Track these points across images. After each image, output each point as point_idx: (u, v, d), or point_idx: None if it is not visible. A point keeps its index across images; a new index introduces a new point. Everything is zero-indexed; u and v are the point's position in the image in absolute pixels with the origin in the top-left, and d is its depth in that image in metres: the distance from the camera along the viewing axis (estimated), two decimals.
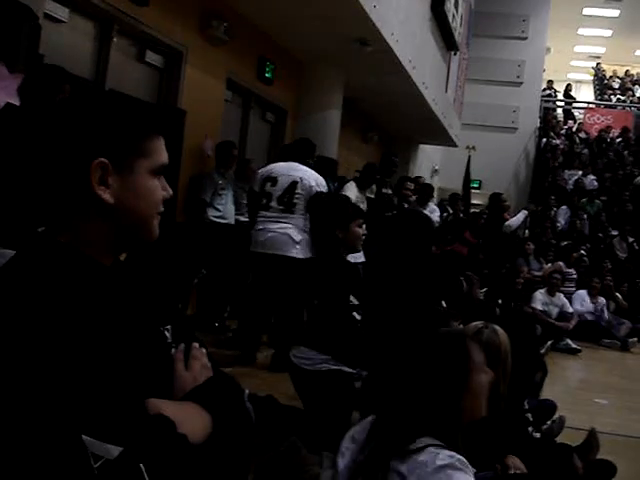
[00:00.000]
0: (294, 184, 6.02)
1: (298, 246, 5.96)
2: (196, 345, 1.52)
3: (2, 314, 1.19)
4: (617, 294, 11.84)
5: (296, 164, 6.20)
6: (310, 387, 3.96)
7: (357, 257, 7.46)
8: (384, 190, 8.47)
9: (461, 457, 1.86)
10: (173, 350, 1.48)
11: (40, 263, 1.27)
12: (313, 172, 6.20)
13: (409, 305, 3.70)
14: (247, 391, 4.31)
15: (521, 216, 10.71)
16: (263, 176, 6.19)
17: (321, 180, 6.17)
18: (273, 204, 6.05)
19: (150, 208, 1.38)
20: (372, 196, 8.08)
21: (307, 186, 6.03)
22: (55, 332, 1.16)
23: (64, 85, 3.78)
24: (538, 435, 3.77)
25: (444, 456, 1.84)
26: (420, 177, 12.39)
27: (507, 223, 10.38)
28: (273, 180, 6.07)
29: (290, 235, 5.97)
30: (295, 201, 6.02)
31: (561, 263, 11.70)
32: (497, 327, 3.16)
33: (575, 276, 11.76)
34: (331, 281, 4.05)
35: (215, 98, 7.83)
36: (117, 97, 1.45)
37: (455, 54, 13.81)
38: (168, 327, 1.48)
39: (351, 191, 7.66)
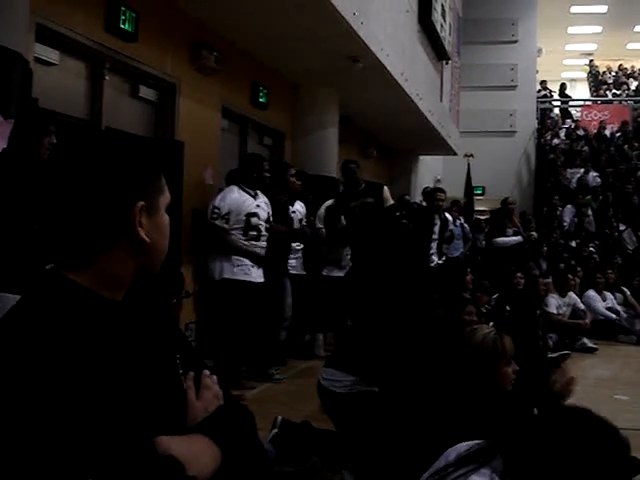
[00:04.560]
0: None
1: (210, 267, 6.41)
2: (207, 373, 1.52)
3: (11, 358, 1.19)
4: (624, 289, 11.80)
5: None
6: (342, 409, 3.96)
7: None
8: (356, 203, 8.29)
9: None
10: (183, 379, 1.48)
11: (50, 303, 1.27)
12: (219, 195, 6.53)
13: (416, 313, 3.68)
14: (280, 418, 4.29)
15: (514, 240, 10.74)
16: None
17: (212, 201, 6.47)
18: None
19: (167, 244, 1.44)
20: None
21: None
22: (61, 375, 1.16)
23: (49, 126, 3.80)
24: None
25: None
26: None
27: (496, 239, 10.51)
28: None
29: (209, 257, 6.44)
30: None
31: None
32: (505, 335, 3.16)
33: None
34: (367, 304, 4.04)
35: (211, 127, 7.86)
36: (128, 137, 1.48)
37: (447, 63, 13.86)
38: (178, 355, 1.49)
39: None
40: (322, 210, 8.00)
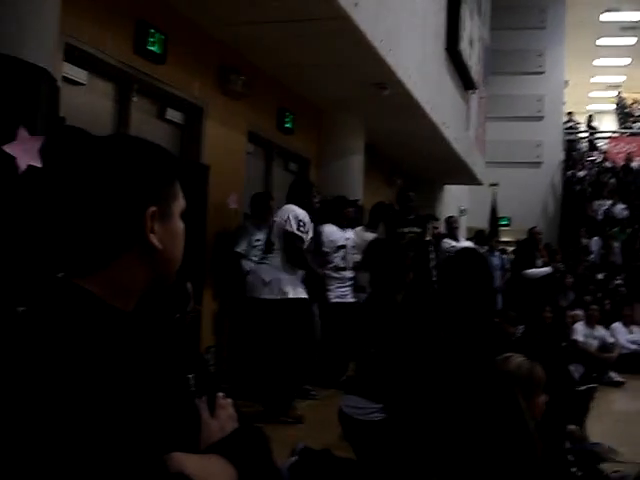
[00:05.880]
0: (272, 225, 6.36)
1: (267, 288, 6.15)
2: (221, 394, 1.48)
3: (20, 371, 1.14)
4: None
5: (284, 206, 6.42)
6: (363, 437, 3.88)
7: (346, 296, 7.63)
8: (407, 230, 8.39)
9: None
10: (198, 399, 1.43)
11: (62, 312, 1.23)
12: (286, 208, 6.34)
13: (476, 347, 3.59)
14: (301, 445, 4.23)
15: (544, 271, 10.64)
16: None
17: (288, 213, 6.25)
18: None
19: (181, 251, 1.40)
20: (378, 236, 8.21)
21: (277, 225, 6.25)
22: (73, 387, 1.11)
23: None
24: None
25: None
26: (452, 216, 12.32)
27: (526, 271, 10.41)
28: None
29: (261, 277, 6.22)
30: (273, 240, 6.29)
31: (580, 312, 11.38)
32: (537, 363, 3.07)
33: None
34: (390, 329, 3.97)
35: (237, 151, 7.86)
36: (141, 142, 1.42)
37: (474, 93, 13.82)
38: (191, 375, 1.44)
39: (357, 235, 8.09)
40: (362, 238, 7.96)
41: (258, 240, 6.95)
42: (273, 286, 6.14)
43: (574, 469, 3.45)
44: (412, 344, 3.87)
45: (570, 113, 22.43)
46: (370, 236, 7.96)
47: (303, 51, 7.42)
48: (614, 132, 23.61)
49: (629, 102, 26.41)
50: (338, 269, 7.80)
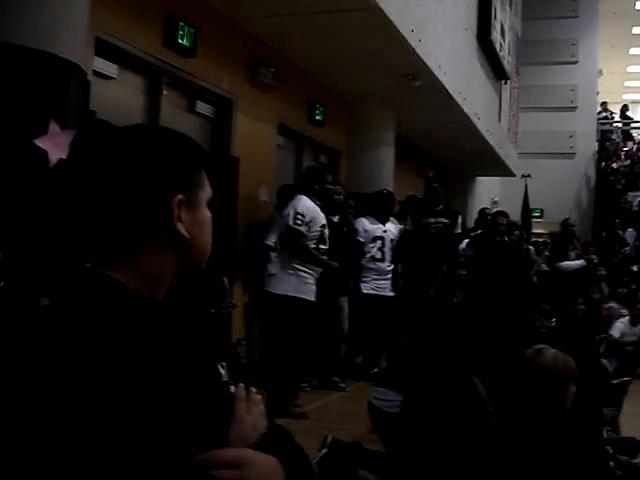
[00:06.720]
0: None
1: (273, 281, 6.10)
2: (254, 389, 1.46)
3: (50, 362, 1.13)
4: None
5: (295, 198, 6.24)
6: (392, 429, 3.86)
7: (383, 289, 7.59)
8: (433, 220, 8.28)
9: None
10: (232, 388, 1.41)
11: (90, 302, 1.23)
12: (293, 200, 6.13)
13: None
14: (330, 437, 4.22)
15: (577, 264, 10.51)
16: None
17: (294, 207, 6.03)
18: None
19: (210, 240, 1.39)
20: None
21: (284, 219, 6.10)
22: (102, 378, 1.11)
23: None
24: (620, 473, 3.57)
25: None
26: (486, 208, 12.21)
27: (560, 264, 10.30)
28: None
29: (268, 270, 6.22)
30: (283, 235, 6.14)
31: (614, 304, 11.22)
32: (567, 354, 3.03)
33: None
34: (420, 321, 3.95)
35: (267, 144, 7.86)
36: (165, 130, 1.42)
37: (505, 83, 13.70)
38: (223, 364, 1.43)
39: (395, 227, 8.04)
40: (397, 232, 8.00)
41: None
42: (271, 280, 6.12)
43: (612, 463, 3.39)
44: (444, 336, 3.85)
45: (604, 103, 22.12)
46: (398, 227, 7.96)
47: (333, 43, 7.41)
48: None
49: None
50: (375, 260, 7.76)
